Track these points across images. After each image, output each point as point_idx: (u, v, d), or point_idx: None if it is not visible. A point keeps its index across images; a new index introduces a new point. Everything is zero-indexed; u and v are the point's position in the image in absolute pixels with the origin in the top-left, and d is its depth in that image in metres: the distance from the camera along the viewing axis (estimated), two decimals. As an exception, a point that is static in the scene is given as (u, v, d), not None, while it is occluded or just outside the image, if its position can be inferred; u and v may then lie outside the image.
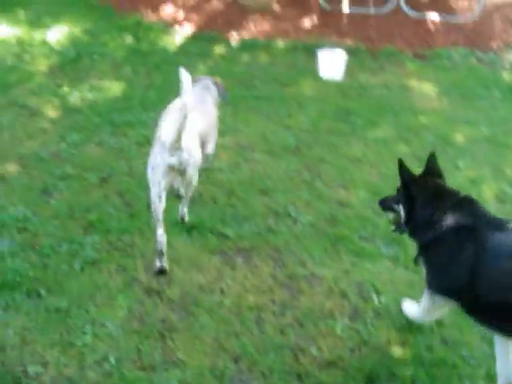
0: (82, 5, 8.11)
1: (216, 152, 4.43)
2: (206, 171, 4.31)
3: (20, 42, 6.84)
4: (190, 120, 3.52)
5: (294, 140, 5.03)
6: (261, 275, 3.56)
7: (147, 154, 4.23)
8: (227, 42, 7.10)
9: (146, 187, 4.22)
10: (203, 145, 3.96)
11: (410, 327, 3.24)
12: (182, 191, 3.88)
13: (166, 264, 3.56)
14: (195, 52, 6.72)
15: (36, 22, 7.42)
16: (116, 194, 4.23)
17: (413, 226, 3.02)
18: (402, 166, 3.08)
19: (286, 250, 3.78)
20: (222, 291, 3.43)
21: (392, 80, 6.38)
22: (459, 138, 5.35)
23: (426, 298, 2.99)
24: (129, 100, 5.54)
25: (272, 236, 3.89)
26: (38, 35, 7.00)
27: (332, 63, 6.28)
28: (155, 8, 8.04)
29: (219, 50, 6.89)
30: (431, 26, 8.12)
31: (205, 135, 3.98)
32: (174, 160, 3.51)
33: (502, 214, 4.24)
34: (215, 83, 4.40)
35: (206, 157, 4.04)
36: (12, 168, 4.50)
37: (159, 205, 3.55)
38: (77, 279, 3.43)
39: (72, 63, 6.31)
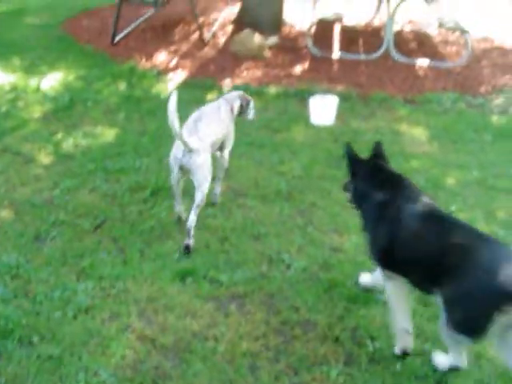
0: (77, 52, 8.23)
1: (208, 198, 4.54)
2: (198, 218, 4.35)
3: (14, 89, 6.92)
4: (204, 128, 4.34)
5: (286, 186, 5.06)
6: (254, 321, 3.55)
7: (140, 200, 4.33)
8: (219, 89, 7.17)
9: (138, 233, 4.27)
10: (220, 149, 4.71)
11: (404, 372, 3.23)
12: (182, 216, 4.52)
13: (191, 242, 4.16)
14: (188, 98, 6.75)
15: (31, 69, 7.52)
16: (109, 240, 4.24)
17: (355, 200, 3.62)
18: (348, 148, 3.67)
19: (279, 295, 3.78)
20: (215, 338, 3.41)
21: (383, 125, 6.44)
22: (450, 181, 5.40)
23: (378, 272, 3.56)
24: (122, 146, 5.58)
25: (265, 282, 3.89)
26: (32, 82, 7.08)
27: (323, 109, 6.34)
28: (149, 55, 8.17)
29: (212, 96, 6.95)
30: (421, 72, 8.25)
31: (221, 141, 4.64)
32: (182, 159, 4.22)
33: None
34: (240, 96, 4.88)
35: (222, 161, 4.79)
36: (5, 214, 4.52)
37: (176, 187, 4.41)
38: (70, 326, 3.42)
39: (66, 110, 6.37)
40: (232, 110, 4.77)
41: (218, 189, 4.80)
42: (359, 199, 3.59)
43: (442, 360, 3.27)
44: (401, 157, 5.74)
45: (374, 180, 3.53)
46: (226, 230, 4.40)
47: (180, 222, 4.52)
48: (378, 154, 3.70)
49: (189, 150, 4.17)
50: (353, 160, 3.67)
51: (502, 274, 2.78)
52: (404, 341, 3.34)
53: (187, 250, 4.14)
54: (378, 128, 6.36)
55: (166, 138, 5.71)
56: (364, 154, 5.42)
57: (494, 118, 6.92)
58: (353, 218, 4.64)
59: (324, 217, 4.67)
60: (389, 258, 3.30)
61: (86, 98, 6.67)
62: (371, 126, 6.39)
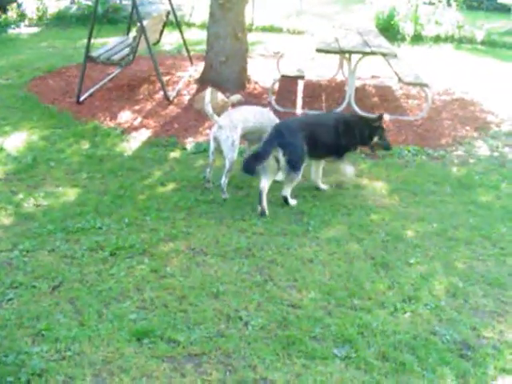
0: (42, 112, 8.25)
1: (168, 257, 4.70)
2: (157, 278, 4.36)
3: (-23, 150, 6.91)
4: (236, 114, 6.10)
5: (246, 243, 5.08)
6: (210, 381, 3.53)
7: (99, 261, 4.35)
8: (182, 147, 7.22)
9: (96, 294, 4.26)
10: (259, 139, 6.01)
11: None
12: (210, 180, 6.11)
13: (226, 195, 5.90)
14: (150, 157, 6.83)
15: (-6, 130, 7.54)
16: (67, 302, 4.20)
17: None
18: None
19: (236, 354, 3.77)
20: (170, 399, 3.39)
21: (345, 180, 6.51)
22: (410, 233, 5.46)
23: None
24: (83, 206, 5.58)
25: (223, 340, 3.87)
26: (-5, 142, 7.08)
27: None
28: (113, 114, 8.22)
29: (174, 154, 7.00)
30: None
31: (257, 130, 6.17)
32: (215, 133, 5.87)
33: (452, 308, 4.34)
34: None
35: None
36: (-38, 277, 4.48)
37: (211, 156, 6.01)
38: (22, 391, 3.38)
39: (28, 170, 6.36)
40: (275, 119, 6.29)
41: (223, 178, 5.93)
42: None
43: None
44: (362, 210, 5.82)
45: None
46: (184, 288, 4.39)
47: (207, 184, 6.10)
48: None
49: (219, 127, 5.80)
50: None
51: None
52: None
53: (224, 200, 5.85)
54: (339, 183, 6.43)
55: (127, 198, 5.77)
56: (325, 209, 5.53)
57: (454, 170, 7.04)
58: (312, 273, 4.69)
59: (283, 273, 4.69)
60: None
61: (49, 158, 6.67)
62: (332, 180, 6.46)
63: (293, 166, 5.66)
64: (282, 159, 5.62)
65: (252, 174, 5.64)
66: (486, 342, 4.04)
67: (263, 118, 6.25)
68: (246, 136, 6.18)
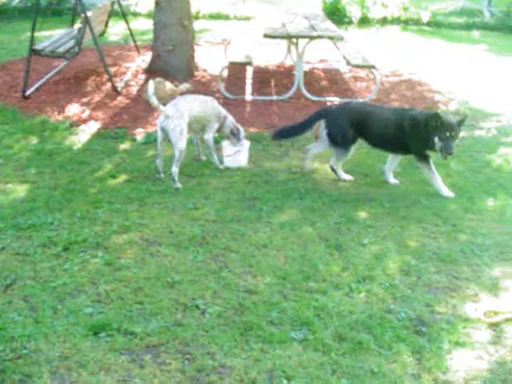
0: (-15, 109, 8.09)
1: (121, 249, 4.65)
2: (112, 271, 4.35)
3: None
4: (182, 102, 6.05)
5: (199, 231, 5.07)
6: (170, 371, 3.53)
7: (52, 256, 4.30)
8: (132, 138, 7.17)
9: (50, 290, 4.20)
10: (203, 128, 6.29)
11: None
12: (160, 169, 6.09)
13: (178, 185, 5.87)
14: (100, 149, 6.76)
15: None
16: (21, 300, 4.13)
17: None
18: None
19: (194, 343, 3.76)
20: (130, 392, 3.38)
21: (296, 164, 6.55)
22: (363, 215, 5.52)
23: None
24: (33, 202, 5.49)
25: (180, 330, 3.86)
26: None
27: (236, 152, 6.41)
28: (61, 108, 8.10)
29: (124, 145, 6.94)
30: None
31: (201, 119, 6.18)
32: (162, 123, 5.89)
33: (406, 285, 4.40)
34: (232, 120, 6.53)
35: (204, 141, 6.37)
36: None
37: (159, 145, 6.00)
38: (-22, 393, 3.33)
39: (-24, 168, 6.25)
40: (219, 107, 6.46)
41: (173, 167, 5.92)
42: None
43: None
44: (314, 194, 5.85)
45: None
46: (139, 280, 4.37)
47: (158, 174, 6.09)
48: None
49: (166, 116, 5.81)
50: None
51: None
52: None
53: (176, 189, 5.82)
54: (290, 167, 6.48)
55: (78, 192, 5.70)
56: (277, 194, 5.55)
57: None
58: (266, 258, 4.71)
59: (238, 260, 4.70)
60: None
61: (-4, 155, 6.56)
62: (284, 166, 6.50)
63: (332, 139, 6.13)
64: (324, 132, 6.13)
65: (280, 138, 6.71)
66: (440, 318, 4.11)
67: (207, 106, 6.28)
68: (191, 125, 6.09)
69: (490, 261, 4.85)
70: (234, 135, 6.41)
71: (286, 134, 6.55)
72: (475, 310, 4.21)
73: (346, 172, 6.31)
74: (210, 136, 6.31)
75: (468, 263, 4.80)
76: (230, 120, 6.46)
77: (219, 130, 6.48)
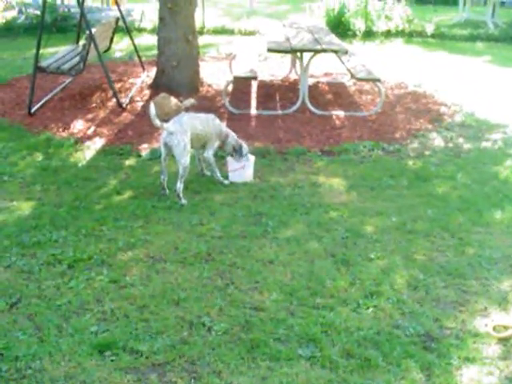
0: (-9, 126, 8.10)
1: (127, 266, 4.64)
2: (117, 288, 4.31)
3: None
4: (185, 119, 6.02)
5: (205, 247, 5.04)
6: (176, 390, 3.50)
7: (57, 274, 4.26)
8: (138, 154, 7.16)
9: (55, 308, 4.17)
10: (204, 146, 6.30)
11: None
12: (165, 185, 6.06)
13: (183, 201, 5.87)
14: (105, 166, 6.75)
15: None
16: (25, 318, 4.10)
17: None
18: None
19: (200, 361, 3.72)
20: (135, 411, 3.34)
21: (302, 178, 6.52)
22: (369, 229, 5.48)
23: None
24: (38, 219, 5.47)
25: (186, 348, 3.82)
26: None
27: (241, 167, 6.39)
28: (66, 124, 8.11)
29: (130, 162, 6.93)
30: (337, 123, 8.43)
31: (202, 137, 6.18)
32: (165, 139, 5.89)
33: (414, 300, 4.36)
34: (235, 136, 6.49)
35: (204, 159, 6.40)
36: None
37: (163, 162, 6.00)
38: (-18, 414, 3.30)
39: (-19, 187, 6.24)
40: (220, 125, 6.43)
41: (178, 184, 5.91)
42: None
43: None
44: (320, 208, 5.82)
45: None
46: (145, 297, 4.34)
47: (163, 191, 6.06)
48: None
49: (169, 133, 5.81)
50: None
51: None
52: None
53: (182, 205, 5.82)
54: (296, 181, 6.44)
55: (83, 208, 5.69)
56: (283, 209, 5.54)
57: (410, 163, 7.09)
58: (273, 274, 4.67)
59: (244, 276, 4.66)
60: None
61: (2, 172, 6.54)
62: (290, 180, 6.47)
63: None
64: None
65: None
66: (449, 333, 4.06)
67: (208, 125, 6.25)
68: (192, 142, 6.02)
69: (499, 274, 4.80)
70: (236, 151, 6.37)
71: None
72: (485, 324, 4.15)
73: (351, 186, 6.28)
74: (210, 154, 6.29)
75: (476, 277, 4.75)
76: (232, 137, 6.42)
77: (221, 148, 6.46)
